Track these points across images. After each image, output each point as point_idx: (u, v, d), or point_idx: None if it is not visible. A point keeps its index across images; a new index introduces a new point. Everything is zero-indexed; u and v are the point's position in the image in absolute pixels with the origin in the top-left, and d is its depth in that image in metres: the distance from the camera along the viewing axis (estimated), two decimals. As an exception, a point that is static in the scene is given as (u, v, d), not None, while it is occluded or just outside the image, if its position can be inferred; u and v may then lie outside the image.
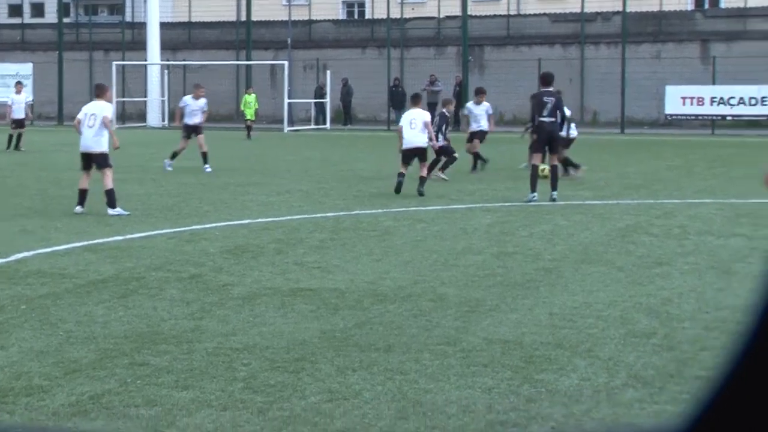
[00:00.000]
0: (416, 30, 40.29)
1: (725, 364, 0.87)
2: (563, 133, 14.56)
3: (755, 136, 30.48)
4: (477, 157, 19.65)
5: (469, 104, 21.64)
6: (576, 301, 7.52)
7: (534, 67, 36.06)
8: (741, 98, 32.06)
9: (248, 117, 31.40)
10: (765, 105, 31.82)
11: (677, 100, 32.76)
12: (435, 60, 39.61)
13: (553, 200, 13.70)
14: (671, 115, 33.37)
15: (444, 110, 18.40)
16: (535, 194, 13.77)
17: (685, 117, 33.17)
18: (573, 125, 16.61)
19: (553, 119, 13.92)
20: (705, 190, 15.65)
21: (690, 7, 39.95)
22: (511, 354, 6.06)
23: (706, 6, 39.76)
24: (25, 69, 39.89)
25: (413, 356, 6.04)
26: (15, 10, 49.62)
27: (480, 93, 21.08)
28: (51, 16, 46.91)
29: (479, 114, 20.26)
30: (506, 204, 13.91)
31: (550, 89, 14.21)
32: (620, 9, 36.59)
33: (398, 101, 37.38)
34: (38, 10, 51.93)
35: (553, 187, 13.91)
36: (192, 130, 19.13)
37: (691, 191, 15.45)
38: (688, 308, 7.25)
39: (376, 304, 7.50)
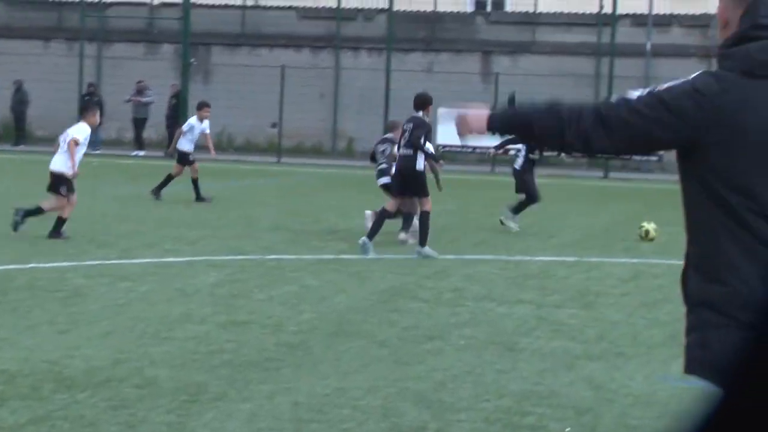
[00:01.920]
0: (121, 20, 39.89)
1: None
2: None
3: (542, 176, 32.31)
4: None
5: (193, 120, 22.12)
6: (328, 386, 7.70)
7: (276, 75, 36.65)
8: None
9: None
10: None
11: (452, 127, 34.08)
12: (145, 61, 39.33)
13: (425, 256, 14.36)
14: (445, 146, 34.73)
15: (391, 135, 18.82)
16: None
17: (461, 149, 34.61)
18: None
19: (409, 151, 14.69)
20: (484, 242, 16.47)
21: (470, 8, 41.79)
22: (243, 457, 6.13)
23: (489, 9, 41.70)
24: None
25: (113, 462, 5.98)
26: None
27: (205, 107, 21.98)
28: None
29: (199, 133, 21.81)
30: (238, 257, 14.01)
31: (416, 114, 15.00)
32: (386, 6, 37.88)
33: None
34: None
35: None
36: None
37: (468, 244, 16.21)
38: (465, 395, 7.60)
39: (60, 391, 7.36)
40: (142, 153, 35.38)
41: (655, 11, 36.15)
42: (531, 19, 38.29)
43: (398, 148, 15.21)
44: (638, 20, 36.87)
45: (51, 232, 14.92)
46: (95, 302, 10.61)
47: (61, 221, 15.06)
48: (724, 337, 3.73)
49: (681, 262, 11.67)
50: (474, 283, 12.55)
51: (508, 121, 4.14)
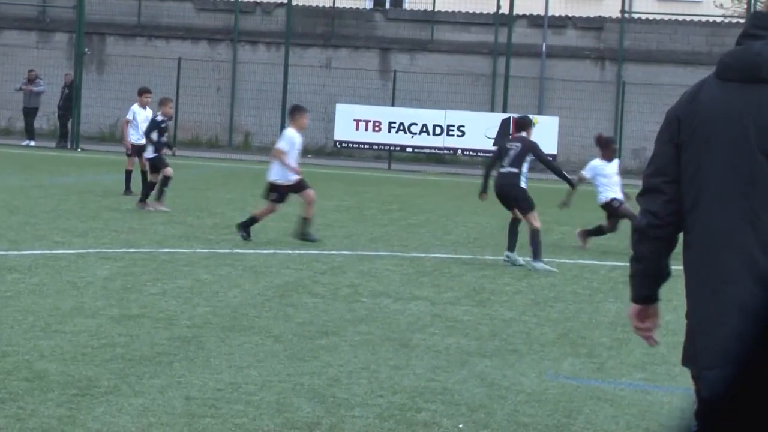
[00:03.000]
0: (12, 6, 39.14)
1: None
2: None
3: (439, 174, 32.59)
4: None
5: (135, 107, 21.77)
6: (221, 381, 7.67)
7: (172, 67, 36.31)
8: (424, 125, 33.95)
9: None
10: (451, 136, 33.87)
11: (349, 123, 34.18)
12: (37, 50, 38.66)
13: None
14: (342, 142, 34.78)
15: (159, 113, 19.41)
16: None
17: (358, 145, 34.69)
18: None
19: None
20: (380, 239, 16.53)
21: (369, 4, 41.96)
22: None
23: (388, 6, 41.91)
24: None
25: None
26: None
27: (144, 92, 21.71)
28: None
29: (142, 122, 20.97)
30: (130, 250, 13.86)
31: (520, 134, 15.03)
32: (285, 0, 37.78)
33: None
34: None
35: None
36: None
37: (364, 240, 16.25)
38: (359, 391, 7.63)
39: (-54, 383, 7.23)
40: (32, 143, 34.78)
41: (551, 13, 36.57)
42: (429, 17, 38.42)
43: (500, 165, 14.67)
44: (534, 21, 37.25)
45: None
46: (-17, 294, 10.42)
47: None
48: None
49: (573, 261, 11.85)
50: (370, 279, 12.59)
51: (639, 283, 4.39)
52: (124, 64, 37.86)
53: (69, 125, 35.82)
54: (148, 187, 19.00)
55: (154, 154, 19.09)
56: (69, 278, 11.57)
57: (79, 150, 34.43)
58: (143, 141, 20.50)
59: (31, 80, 36.39)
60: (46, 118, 36.77)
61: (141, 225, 16.43)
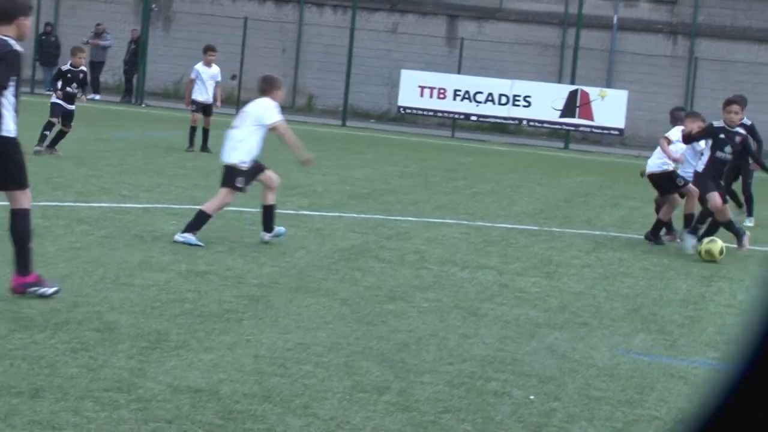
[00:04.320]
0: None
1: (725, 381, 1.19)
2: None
3: (502, 144, 32.44)
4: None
5: (199, 66, 21.96)
6: (289, 341, 7.68)
7: (238, 27, 36.34)
8: (490, 94, 33.75)
9: None
10: (516, 106, 33.64)
11: (414, 89, 34.05)
12: (105, 4, 38.89)
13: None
14: (405, 108, 34.66)
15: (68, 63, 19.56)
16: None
17: (422, 112, 34.55)
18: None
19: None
20: (446, 206, 16.46)
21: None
22: (205, 407, 6.11)
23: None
24: None
25: (71, 405, 5.95)
26: None
27: (209, 50, 22.04)
28: None
29: (208, 80, 21.64)
30: (196, 207, 13.89)
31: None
32: (352, -36, 37.65)
33: (49, 55, 36.35)
34: None
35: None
36: None
37: (430, 207, 16.20)
38: (428, 357, 7.60)
39: (17, 331, 7.31)
40: (98, 97, 35.02)
41: (624, -15, 36.18)
42: (499, -15, 38.16)
43: (717, 151, 13.54)
44: (607, -7, 36.88)
45: None
46: (52, 244, 10.50)
47: None
48: None
49: (640, 236, 11.67)
50: (436, 246, 12.55)
51: None
52: (190, 21, 37.99)
53: (134, 80, 36.07)
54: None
55: (58, 101, 19.16)
56: (137, 232, 11.64)
57: (143, 105, 34.67)
58: (209, 99, 20.78)
59: (98, 34, 36.64)
60: (112, 72, 37.02)
61: (206, 182, 16.46)
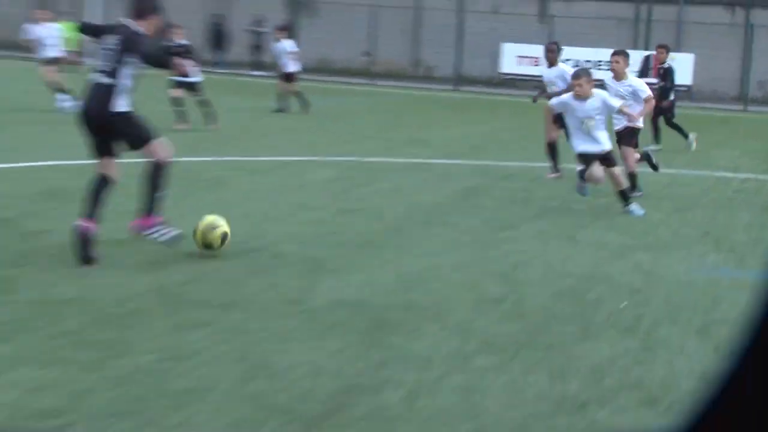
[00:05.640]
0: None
1: (722, 370, 0.90)
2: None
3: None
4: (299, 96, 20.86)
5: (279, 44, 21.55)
6: (423, 263, 7.69)
7: (367, 16, 36.19)
8: (577, 61, 33.20)
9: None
10: (600, 69, 33.06)
11: (513, 59, 33.68)
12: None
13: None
14: (506, 75, 34.32)
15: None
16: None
17: (519, 77, 34.16)
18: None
19: None
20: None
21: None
22: (359, 316, 6.15)
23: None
24: None
25: (255, 315, 6.05)
26: None
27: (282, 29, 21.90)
28: None
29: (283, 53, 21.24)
30: (344, 158, 13.99)
31: None
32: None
33: (219, 40, 36.91)
34: None
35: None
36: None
37: (531, 153, 15.97)
38: (536, 275, 7.55)
39: (210, 259, 7.43)
40: (259, 73, 35.33)
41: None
42: (584, -30, 37.33)
43: None
44: (673, -28, 35.79)
45: None
46: (233, 190, 10.67)
47: None
48: None
49: (708, 173, 11.25)
50: (539, 186, 12.39)
51: None
52: (330, 11, 37.94)
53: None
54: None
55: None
56: (298, 180, 11.75)
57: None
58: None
59: (257, 22, 36.81)
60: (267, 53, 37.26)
61: (351, 139, 16.56)
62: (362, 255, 7.87)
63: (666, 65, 17.28)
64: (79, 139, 7.59)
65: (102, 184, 7.25)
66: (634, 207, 10.46)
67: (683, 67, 31.59)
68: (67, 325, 5.64)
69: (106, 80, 7.22)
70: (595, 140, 10.34)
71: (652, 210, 10.95)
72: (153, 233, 7.50)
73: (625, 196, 10.53)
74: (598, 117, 10.31)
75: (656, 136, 17.25)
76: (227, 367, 5.07)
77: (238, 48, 37.63)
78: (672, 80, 17.43)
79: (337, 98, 27.03)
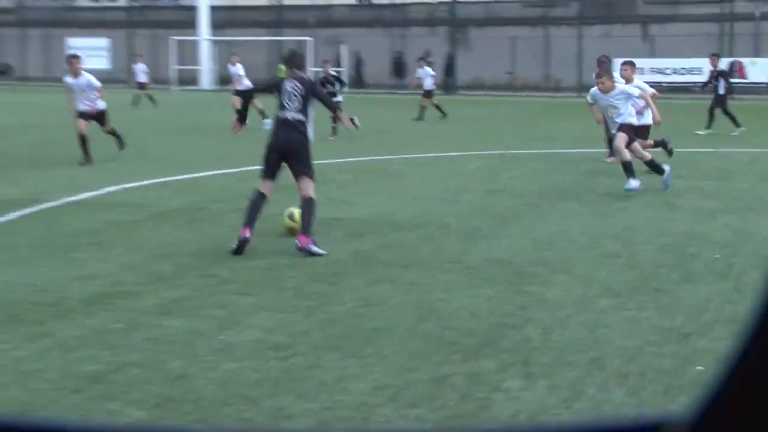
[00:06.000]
0: (414, 13, 39.55)
1: (728, 362, 0.63)
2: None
3: (684, 99, 30.07)
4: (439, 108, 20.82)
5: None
6: (553, 229, 7.40)
7: (509, 44, 35.45)
8: (674, 69, 31.82)
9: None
10: (693, 74, 31.46)
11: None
12: (429, 37, 38.93)
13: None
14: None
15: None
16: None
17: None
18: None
19: None
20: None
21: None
22: (505, 271, 5.98)
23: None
24: (102, 43, 39.89)
25: (427, 272, 5.96)
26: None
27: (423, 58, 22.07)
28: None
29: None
30: (488, 152, 13.71)
31: None
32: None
33: (399, 70, 37.06)
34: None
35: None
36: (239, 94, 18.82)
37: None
38: (643, 235, 7.14)
39: (394, 231, 7.40)
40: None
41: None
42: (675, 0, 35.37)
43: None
44: (749, -4, 33.31)
45: None
46: (409, 179, 10.60)
47: None
48: None
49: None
50: (641, 164, 11.72)
51: None
52: (480, 44, 37.40)
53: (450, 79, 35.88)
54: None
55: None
56: (455, 169, 11.56)
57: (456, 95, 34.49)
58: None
59: (426, 56, 36.57)
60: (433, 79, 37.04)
61: (495, 138, 16.17)
62: (507, 224, 7.65)
63: (718, 68, 16.47)
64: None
65: (260, 199, 6.57)
66: (633, 182, 9.19)
67: (762, 69, 29.58)
68: (291, 283, 5.71)
69: (297, 116, 6.67)
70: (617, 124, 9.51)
71: (740, 181, 10.18)
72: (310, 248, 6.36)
73: (653, 166, 9.42)
74: (620, 104, 9.44)
75: (710, 122, 16.47)
76: (407, 311, 5.02)
77: (410, 74, 37.61)
78: (726, 79, 16.60)
79: (486, 108, 26.61)
